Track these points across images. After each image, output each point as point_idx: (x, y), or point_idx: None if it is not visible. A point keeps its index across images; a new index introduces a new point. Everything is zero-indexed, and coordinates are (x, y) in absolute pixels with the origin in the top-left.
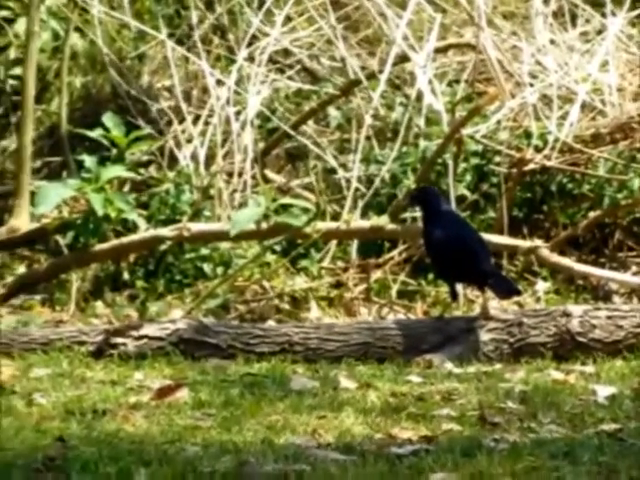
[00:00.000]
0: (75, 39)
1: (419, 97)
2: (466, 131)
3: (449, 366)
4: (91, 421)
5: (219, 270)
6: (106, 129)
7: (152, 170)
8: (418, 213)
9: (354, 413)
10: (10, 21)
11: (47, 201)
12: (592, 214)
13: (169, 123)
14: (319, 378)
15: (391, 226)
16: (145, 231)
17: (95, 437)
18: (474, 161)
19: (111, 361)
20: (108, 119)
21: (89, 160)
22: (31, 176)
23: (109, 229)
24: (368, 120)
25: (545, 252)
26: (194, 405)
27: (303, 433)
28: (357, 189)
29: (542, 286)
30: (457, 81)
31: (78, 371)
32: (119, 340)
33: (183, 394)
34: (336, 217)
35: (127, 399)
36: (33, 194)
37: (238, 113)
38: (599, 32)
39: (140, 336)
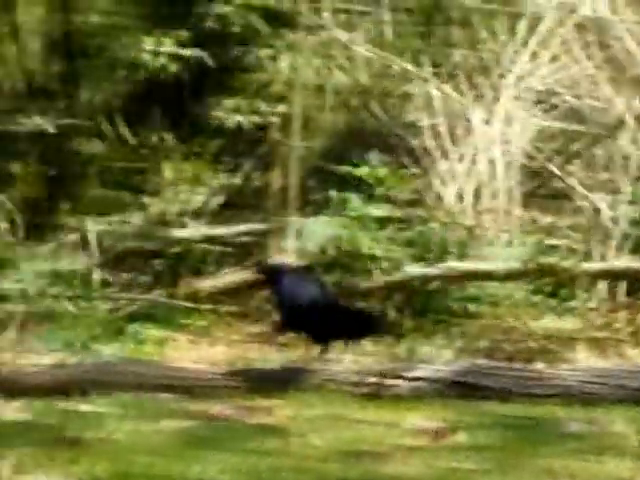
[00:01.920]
0: (338, 77)
1: None
2: None
3: None
4: (368, 463)
5: (485, 309)
6: (371, 167)
7: (417, 208)
8: None
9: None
10: (273, 58)
11: (313, 239)
12: None
13: (434, 161)
14: (594, 422)
15: None
16: (411, 270)
17: (371, 478)
18: None
19: (385, 402)
20: (373, 157)
21: (354, 198)
22: (296, 213)
23: (374, 267)
24: (635, 160)
25: None
26: (470, 448)
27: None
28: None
29: None
30: None
31: (352, 412)
32: (392, 382)
33: (459, 437)
34: (603, 257)
35: (403, 441)
36: (298, 231)
37: (502, 152)
38: None
39: (413, 378)
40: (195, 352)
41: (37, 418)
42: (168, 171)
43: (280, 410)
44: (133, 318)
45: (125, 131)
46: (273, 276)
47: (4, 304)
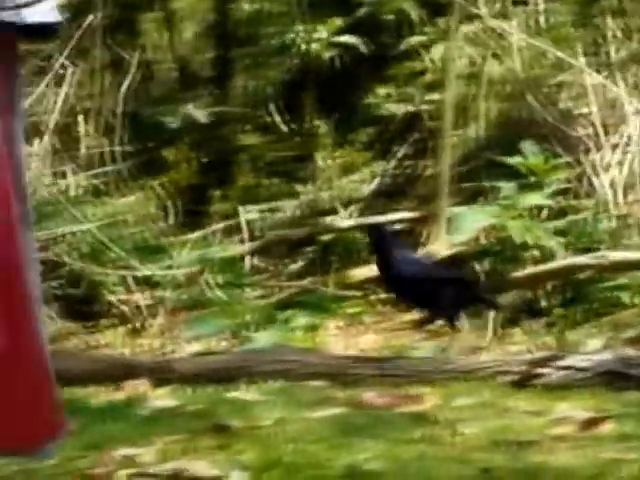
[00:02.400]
0: (492, 65)
1: None
2: None
3: None
4: (516, 452)
5: (637, 299)
6: (523, 156)
7: (570, 198)
8: None
9: None
10: (426, 47)
11: (464, 228)
12: None
13: (587, 151)
14: None
15: None
16: (563, 259)
17: (520, 469)
18: None
19: (533, 391)
20: (526, 146)
21: (507, 187)
22: (447, 202)
23: (526, 256)
24: None
25: None
26: (618, 438)
27: None
28: None
29: None
30: None
31: (500, 401)
32: (542, 370)
33: (607, 426)
34: None
35: (551, 430)
36: (449, 220)
37: None
38: None
39: (564, 366)
40: (345, 340)
41: (185, 405)
42: (321, 159)
43: (429, 399)
44: (284, 305)
45: (279, 119)
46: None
47: (154, 291)
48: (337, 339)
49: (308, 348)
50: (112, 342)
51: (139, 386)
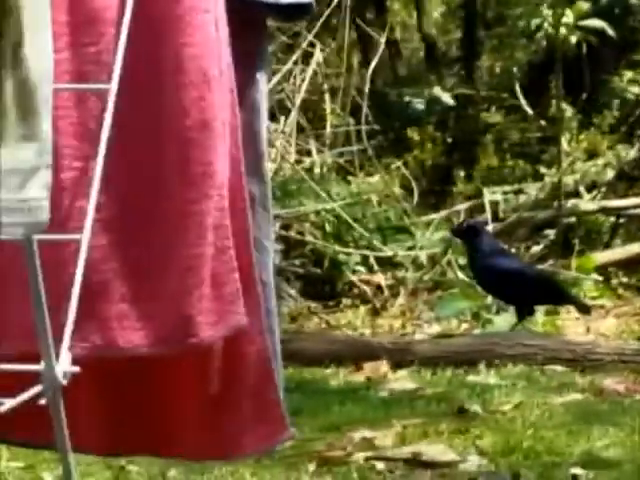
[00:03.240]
0: None
1: None
2: None
3: None
4: None
5: None
6: None
7: None
8: None
9: None
10: None
11: None
12: None
13: None
14: None
15: None
16: None
17: None
18: None
19: None
20: None
21: None
22: None
23: None
24: None
25: None
26: None
27: None
28: None
29: None
30: None
31: None
32: None
33: None
34: None
35: None
36: None
37: None
38: None
39: None
40: (585, 324)
41: (424, 388)
42: (566, 142)
43: None
44: None
45: (524, 101)
46: (470, 237)
47: (396, 271)
48: (577, 323)
49: (548, 332)
50: (352, 322)
51: (379, 367)
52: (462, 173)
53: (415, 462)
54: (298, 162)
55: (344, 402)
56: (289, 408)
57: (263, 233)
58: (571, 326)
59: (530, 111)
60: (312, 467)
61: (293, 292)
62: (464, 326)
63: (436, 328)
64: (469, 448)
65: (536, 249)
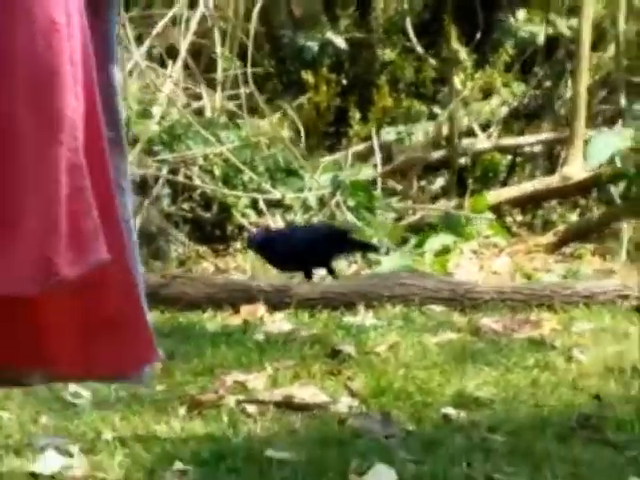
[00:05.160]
0: None
1: None
2: None
3: None
4: (629, 379)
5: None
6: None
7: None
8: None
9: None
10: None
11: (600, 152)
12: None
13: None
14: None
15: None
16: None
17: (633, 396)
18: None
19: None
20: None
21: None
22: (585, 124)
23: None
24: None
25: None
26: None
27: None
28: None
29: None
30: None
31: (620, 326)
32: None
33: None
34: None
35: None
36: (586, 143)
37: None
38: None
39: None
40: (479, 263)
41: (299, 330)
42: (459, 81)
43: (548, 324)
44: (417, 229)
45: (416, 40)
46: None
47: (286, 214)
48: (470, 263)
49: (430, 273)
50: (242, 265)
51: (256, 310)
52: (357, 115)
53: (286, 405)
54: (187, 106)
55: (218, 345)
56: (163, 352)
57: (120, 173)
58: (466, 266)
59: (421, 50)
60: (183, 411)
61: (182, 236)
62: (354, 267)
63: (322, 271)
64: (341, 390)
65: (431, 189)
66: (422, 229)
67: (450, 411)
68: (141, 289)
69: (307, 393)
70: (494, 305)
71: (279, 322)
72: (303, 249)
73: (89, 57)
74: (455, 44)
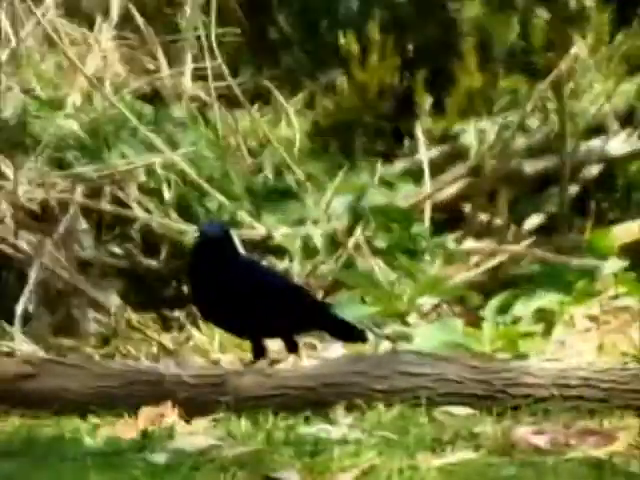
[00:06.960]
0: None
1: None
2: None
3: None
4: None
5: None
6: None
7: None
8: None
9: None
10: None
11: None
12: None
13: None
14: None
15: None
16: None
17: None
18: None
19: None
20: None
21: None
22: None
23: None
24: None
25: None
26: None
27: None
28: None
29: None
30: None
31: None
32: None
33: None
34: None
35: None
36: None
37: None
38: None
39: None
40: (598, 338)
41: (223, 447)
42: (586, 46)
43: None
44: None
45: None
46: None
47: None
48: (583, 338)
49: (459, 355)
50: (203, 344)
51: (164, 414)
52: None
53: None
54: (121, 89)
55: (85, 474)
56: None
57: None
58: (574, 344)
59: None
60: None
61: (109, 297)
62: None
63: None
64: None
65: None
66: (504, 283)
67: None
68: None
69: None
70: (555, 406)
71: (196, 434)
72: (249, 300)
73: None
74: None
